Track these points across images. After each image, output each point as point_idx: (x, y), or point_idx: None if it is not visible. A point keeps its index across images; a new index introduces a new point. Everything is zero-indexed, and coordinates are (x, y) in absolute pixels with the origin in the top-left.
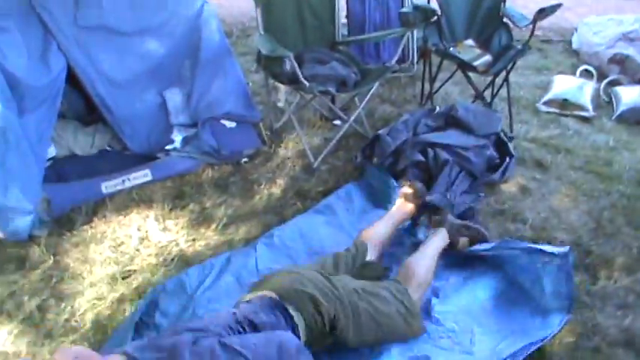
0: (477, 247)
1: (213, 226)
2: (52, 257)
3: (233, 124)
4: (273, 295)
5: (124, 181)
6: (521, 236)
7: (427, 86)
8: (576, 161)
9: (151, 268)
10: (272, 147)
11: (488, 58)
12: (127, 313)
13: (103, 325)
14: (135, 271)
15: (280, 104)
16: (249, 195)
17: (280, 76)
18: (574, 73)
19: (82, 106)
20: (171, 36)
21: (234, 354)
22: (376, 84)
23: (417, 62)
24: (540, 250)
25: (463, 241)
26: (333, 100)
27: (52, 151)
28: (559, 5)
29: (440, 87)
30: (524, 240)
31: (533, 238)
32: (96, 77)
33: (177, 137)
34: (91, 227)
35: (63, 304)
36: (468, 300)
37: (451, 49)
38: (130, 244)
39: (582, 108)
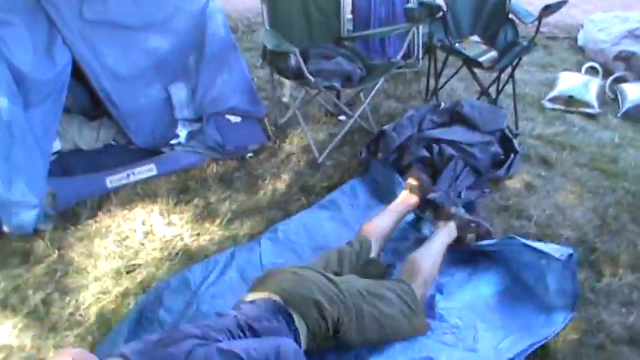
0: (483, 242)
1: (218, 220)
2: (56, 251)
3: (238, 119)
4: (278, 298)
5: (128, 175)
6: (526, 233)
7: (432, 82)
8: (581, 158)
9: (155, 262)
10: (277, 142)
11: (493, 54)
12: (131, 307)
13: (108, 319)
14: (139, 265)
15: (285, 99)
16: (253, 190)
17: (285, 71)
18: (579, 70)
19: (86, 100)
20: (176, 31)
21: (231, 356)
22: (381, 79)
23: (423, 58)
24: (544, 252)
25: (470, 236)
26: (338, 96)
27: (57, 145)
28: (565, 2)
29: (445, 83)
30: (528, 237)
31: (537, 234)
32: (101, 72)
33: (182, 132)
34: (96, 221)
35: (67, 298)
36: (471, 296)
37: (456, 45)
38: (134, 239)
39: (588, 105)
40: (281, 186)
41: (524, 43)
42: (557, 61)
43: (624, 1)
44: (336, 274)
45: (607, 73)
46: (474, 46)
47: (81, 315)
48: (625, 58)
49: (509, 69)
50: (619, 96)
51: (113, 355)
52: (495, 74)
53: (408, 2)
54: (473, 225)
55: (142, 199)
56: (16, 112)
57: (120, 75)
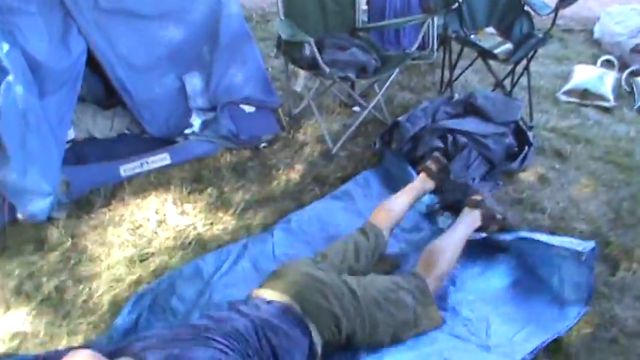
0: (501, 235)
1: (231, 210)
2: (70, 239)
3: (252, 109)
4: (296, 306)
5: (142, 164)
6: (540, 226)
7: (447, 74)
8: (596, 151)
9: (168, 251)
10: (291, 132)
11: (508, 46)
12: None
13: (121, 307)
14: (152, 253)
15: (298, 89)
16: (267, 180)
17: (300, 61)
18: (595, 63)
19: (101, 89)
20: (191, 20)
21: None
22: (396, 70)
23: (437, 49)
24: (565, 248)
25: (493, 228)
26: (352, 87)
27: (71, 134)
28: None
29: (460, 75)
30: (542, 229)
31: (551, 227)
32: (115, 61)
33: (196, 121)
34: (110, 210)
35: (81, 286)
36: (484, 288)
37: (472, 36)
38: (147, 227)
39: (603, 98)
40: (294, 176)
41: (540, 36)
42: (572, 54)
43: None
44: (352, 268)
45: (623, 66)
46: (489, 37)
47: (94, 303)
48: None
49: (525, 61)
50: (635, 89)
51: (125, 355)
52: (510, 66)
53: None
54: (499, 217)
55: (155, 188)
56: (31, 101)
57: (134, 64)
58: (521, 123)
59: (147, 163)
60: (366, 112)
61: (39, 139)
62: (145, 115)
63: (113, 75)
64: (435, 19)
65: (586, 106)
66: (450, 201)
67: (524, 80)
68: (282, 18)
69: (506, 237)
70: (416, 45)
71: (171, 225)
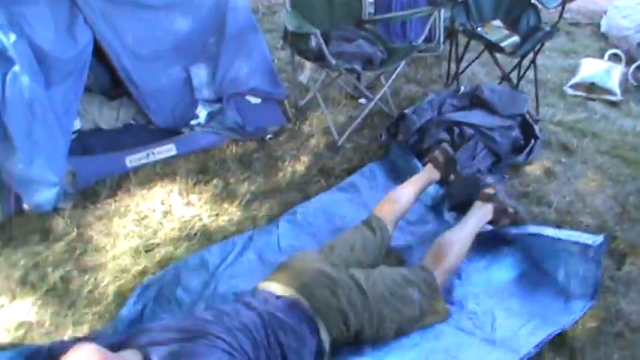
0: (509, 228)
1: (237, 201)
2: (75, 229)
3: (258, 101)
4: (306, 303)
5: (148, 155)
6: (546, 219)
7: (453, 66)
8: (603, 145)
9: (174, 242)
10: (297, 124)
11: (515, 39)
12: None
13: (126, 297)
14: (158, 244)
15: (304, 80)
16: (272, 172)
17: (306, 53)
18: (602, 57)
19: (107, 80)
20: (198, 11)
21: None
22: (402, 63)
23: (444, 42)
24: (574, 242)
25: (504, 222)
26: (358, 79)
27: (77, 124)
28: None
29: (466, 67)
30: (548, 223)
31: (557, 221)
32: (121, 51)
33: (202, 112)
34: (115, 200)
35: (86, 276)
36: (489, 281)
37: (478, 29)
38: (153, 218)
39: (610, 92)
40: (300, 168)
41: (547, 29)
42: (579, 48)
43: None
44: (360, 261)
45: (630, 60)
46: (496, 30)
47: (100, 293)
48: None
49: (531, 54)
50: None
51: (131, 347)
52: (517, 60)
53: None
54: (511, 211)
55: (161, 178)
56: (37, 90)
57: (140, 55)
58: (527, 116)
59: (153, 153)
60: (372, 104)
61: (45, 129)
62: (150, 106)
63: (119, 65)
64: (442, 11)
65: (593, 99)
66: (458, 201)
67: (530, 73)
68: (289, 9)
69: (513, 230)
70: (422, 37)
71: (176, 216)
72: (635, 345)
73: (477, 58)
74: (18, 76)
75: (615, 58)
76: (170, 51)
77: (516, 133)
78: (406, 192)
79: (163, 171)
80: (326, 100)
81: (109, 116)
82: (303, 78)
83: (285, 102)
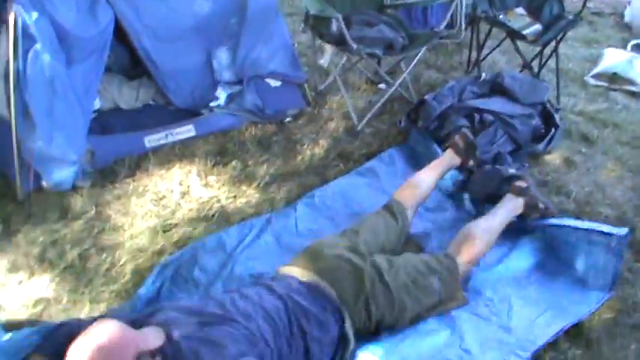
0: (541, 221)
1: (255, 184)
2: (94, 208)
3: (278, 84)
4: (333, 293)
5: (167, 135)
6: (565, 209)
7: (474, 54)
8: (623, 136)
9: (191, 222)
10: (316, 108)
11: (538, 27)
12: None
13: (143, 276)
14: (175, 224)
15: (324, 64)
16: (291, 155)
17: (327, 36)
18: (625, 48)
19: (127, 60)
20: None
21: None
22: (423, 49)
23: (465, 29)
24: (599, 232)
25: (534, 216)
26: (379, 64)
27: (96, 104)
28: None
29: (487, 55)
30: (567, 213)
31: (576, 212)
32: (142, 31)
33: (222, 94)
34: (134, 180)
35: (104, 255)
36: (507, 269)
37: (501, 16)
38: (171, 199)
39: (632, 82)
40: (319, 151)
41: (570, 18)
42: (602, 38)
43: None
44: (384, 246)
45: None
46: (518, 18)
47: (117, 272)
48: None
49: (553, 43)
50: None
51: (152, 323)
52: (539, 48)
53: None
54: (542, 207)
55: (179, 159)
56: (59, 69)
57: (161, 35)
58: (548, 105)
59: (172, 134)
60: (392, 89)
61: (66, 107)
62: (170, 86)
63: (139, 45)
64: None
65: (614, 90)
66: (480, 194)
67: (552, 62)
68: None
69: (546, 223)
70: (444, 24)
71: (194, 197)
72: None
73: (498, 45)
74: (39, 54)
75: (638, 48)
76: (190, 32)
77: (537, 121)
78: (426, 177)
79: (182, 152)
80: (346, 85)
81: (128, 96)
82: (323, 62)
83: (305, 85)
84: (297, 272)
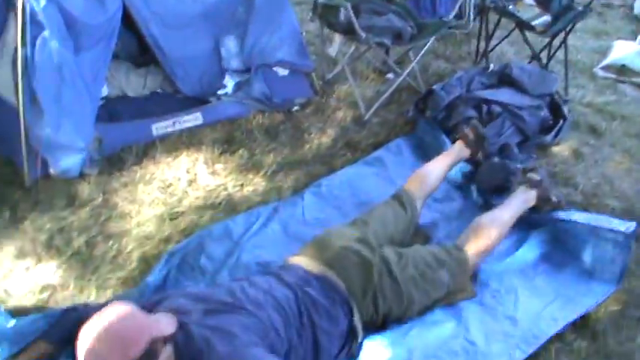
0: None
1: (262, 172)
2: (101, 195)
3: (286, 72)
4: (342, 285)
5: (174, 123)
6: (572, 201)
7: (483, 44)
8: (632, 128)
9: (198, 210)
10: (324, 97)
11: (547, 18)
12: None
13: (149, 264)
14: (182, 212)
15: (332, 53)
16: (299, 144)
17: (336, 25)
18: (634, 39)
19: (134, 47)
20: None
21: None
22: (432, 38)
23: (474, 19)
24: (607, 229)
25: (546, 209)
26: (387, 53)
27: (104, 91)
28: None
29: (496, 46)
30: (574, 205)
31: (583, 203)
32: (150, 18)
33: (230, 82)
34: (141, 168)
35: (110, 242)
36: (514, 260)
37: (510, 7)
38: (178, 186)
39: None
40: (326, 141)
41: (579, 9)
42: (611, 29)
43: None
44: (393, 237)
45: None
46: (527, 9)
47: (123, 259)
48: None
49: (562, 34)
50: None
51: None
52: (548, 39)
53: None
54: (554, 200)
55: (186, 147)
56: (67, 56)
57: (169, 22)
58: (556, 96)
59: (179, 122)
60: (400, 79)
61: (73, 94)
62: (177, 73)
63: (147, 32)
64: None
65: (623, 82)
66: (487, 186)
67: (560, 54)
68: None
69: (551, 217)
70: (453, 14)
71: (201, 185)
72: None
73: (507, 36)
74: (47, 40)
75: None
76: (198, 19)
77: (545, 112)
78: (435, 169)
79: (189, 140)
80: (354, 74)
81: (136, 83)
82: (331, 51)
83: (313, 74)
84: (305, 262)
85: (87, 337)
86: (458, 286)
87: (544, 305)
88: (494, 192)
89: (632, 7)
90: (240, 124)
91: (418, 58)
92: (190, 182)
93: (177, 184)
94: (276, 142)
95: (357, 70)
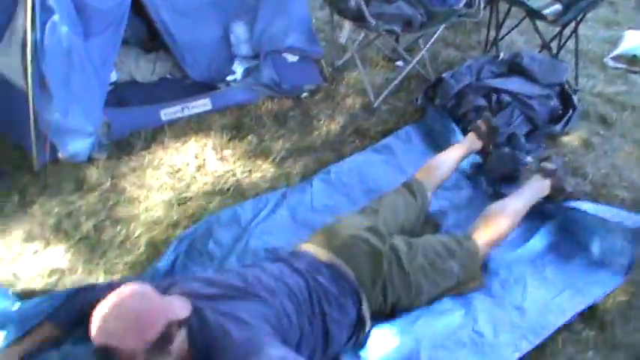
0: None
1: (271, 158)
2: (109, 180)
3: (295, 59)
4: (351, 275)
5: (183, 109)
6: (581, 191)
7: (493, 33)
8: None
9: (206, 196)
10: (333, 84)
11: (558, 7)
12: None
13: (157, 249)
14: (190, 198)
15: (342, 40)
16: (307, 130)
17: (346, 12)
18: None
19: (144, 32)
20: None
21: None
22: (442, 26)
23: (485, 8)
24: (616, 222)
25: (559, 199)
26: (397, 40)
27: (113, 76)
28: None
29: (506, 34)
30: (583, 195)
31: (592, 194)
32: (160, 3)
33: (239, 68)
34: (149, 153)
35: (119, 227)
36: (523, 250)
37: None
38: (186, 172)
39: None
40: (335, 127)
41: None
42: (622, 19)
43: None
44: (403, 226)
45: None
46: None
47: (131, 244)
48: None
49: (573, 24)
50: None
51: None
52: (558, 28)
53: None
54: (568, 190)
55: (195, 133)
56: (76, 40)
57: (179, 7)
58: (566, 86)
59: (188, 108)
60: (409, 66)
61: (82, 79)
62: (187, 59)
63: (157, 17)
64: None
65: (634, 72)
66: (497, 177)
67: (571, 43)
68: None
69: (561, 207)
70: (463, 2)
71: (210, 170)
72: None
73: (517, 25)
74: (57, 25)
75: None
76: (208, 5)
77: (555, 102)
78: (447, 159)
79: (198, 125)
80: (363, 61)
81: (145, 69)
82: (341, 38)
83: (322, 61)
84: (315, 250)
85: (102, 314)
86: (468, 276)
87: (552, 296)
88: (503, 181)
89: None
90: (249, 110)
91: (428, 46)
92: (199, 168)
93: (185, 169)
94: (285, 129)
95: (366, 57)
